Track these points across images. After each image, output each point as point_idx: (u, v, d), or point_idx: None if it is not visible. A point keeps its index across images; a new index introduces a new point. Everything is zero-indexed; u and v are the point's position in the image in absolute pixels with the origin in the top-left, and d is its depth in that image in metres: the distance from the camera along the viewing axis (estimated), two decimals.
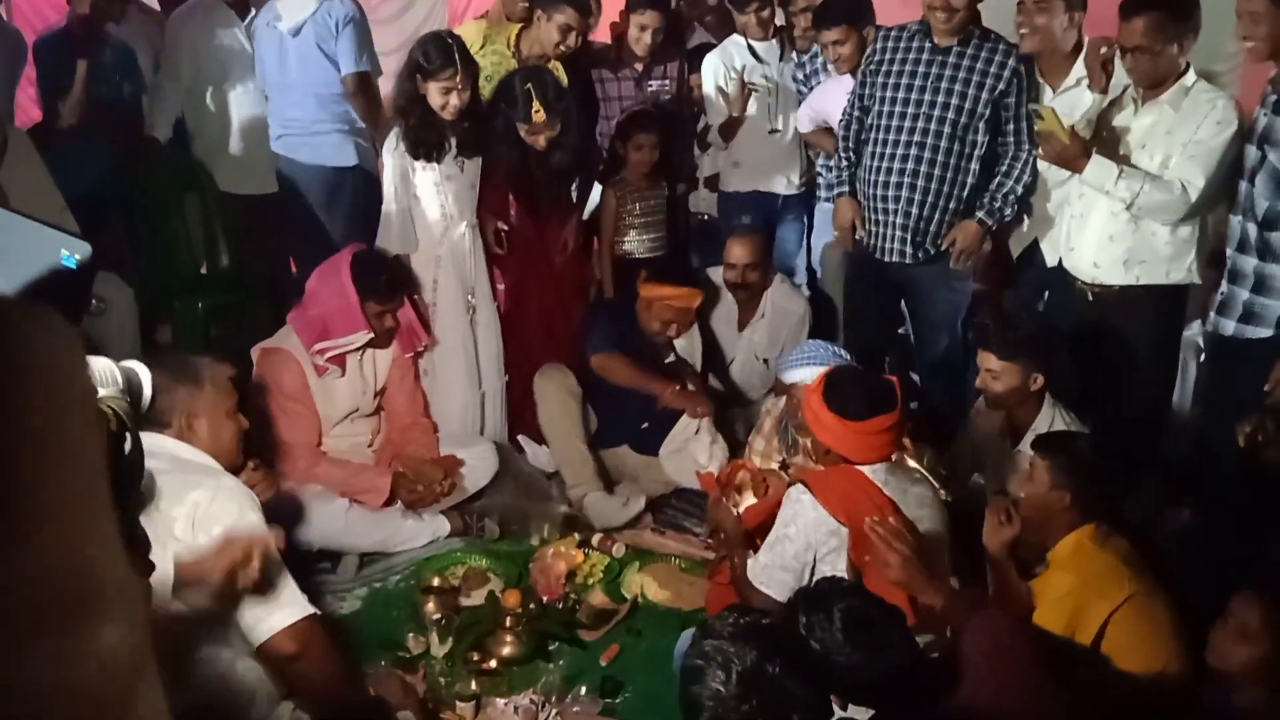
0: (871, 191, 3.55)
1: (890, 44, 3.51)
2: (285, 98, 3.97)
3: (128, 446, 0.99)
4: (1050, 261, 3.50)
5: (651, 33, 4.04)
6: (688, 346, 3.75)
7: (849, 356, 3.20)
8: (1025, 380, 2.90)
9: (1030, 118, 3.38)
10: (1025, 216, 3.59)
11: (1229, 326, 2.98)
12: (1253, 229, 2.90)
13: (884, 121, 3.51)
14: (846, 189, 3.70)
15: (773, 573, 2.48)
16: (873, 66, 3.55)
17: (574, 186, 3.82)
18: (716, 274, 3.95)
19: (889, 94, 3.49)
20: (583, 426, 3.56)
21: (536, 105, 3.45)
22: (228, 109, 4.15)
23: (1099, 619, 2.24)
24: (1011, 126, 3.45)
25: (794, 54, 4.31)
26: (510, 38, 3.98)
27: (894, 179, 3.49)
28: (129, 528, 1.07)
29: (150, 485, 2.13)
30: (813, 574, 2.45)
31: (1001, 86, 3.39)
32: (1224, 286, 3.02)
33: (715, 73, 4.25)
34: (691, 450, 3.54)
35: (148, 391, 1.14)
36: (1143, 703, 2.14)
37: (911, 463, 2.69)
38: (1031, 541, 2.49)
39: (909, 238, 3.51)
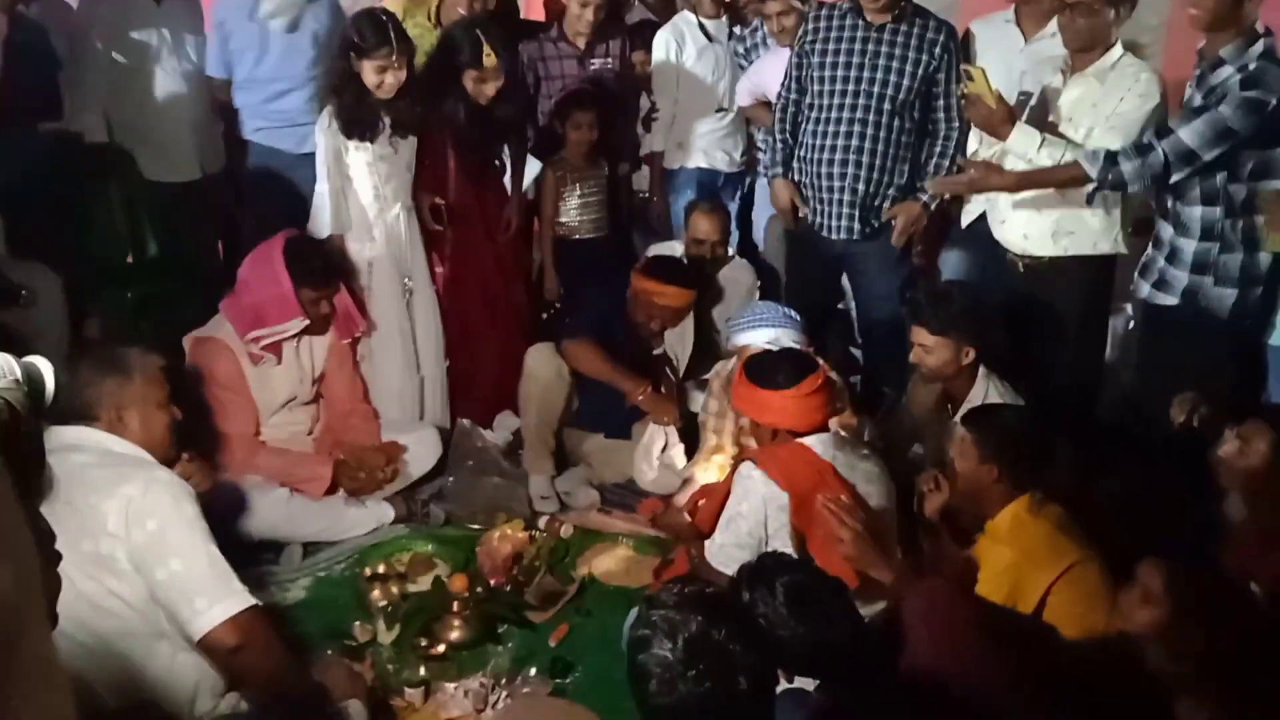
0: (814, 169, 3.57)
1: (823, 23, 3.52)
2: (268, 90, 3.90)
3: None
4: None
5: (594, 9, 4.01)
6: (679, 339, 3.69)
7: (798, 317, 3.24)
8: (958, 354, 2.94)
9: (958, 96, 3.42)
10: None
11: (1144, 289, 3.09)
12: (1171, 200, 2.99)
13: (822, 100, 3.53)
14: (781, 170, 3.71)
15: (729, 551, 2.51)
16: (807, 46, 3.56)
17: (509, 160, 3.79)
18: (663, 248, 3.96)
19: (825, 73, 3.51)
20: (560, 412, 3.52)
21: (488, 50, 3.42)
22: (149, 95, 4.00)
23: (1039, 590, 2.29)
24: (942, 103, 3.50)
25: (736, 28, 4.31)
26: (430, 10, 3.95)
27: (837, 156, 3.51)
28: (29, 518, 1.06)
29: (79, 478, 2.08)
30: (767, 549, 2.47)
31: (934, 64, 3.43)
32: (1149, 249, 3.11)
33: (666, 50, 4.23)
34: (671, 465, 3.45)
35: (50, 386, 1.14)
36: (1084, 665, 2.19)
37: (860, 439, 2.75)
38: (971, 511, 2.54)
39: (854, 214, 3.54)
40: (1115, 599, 2.25)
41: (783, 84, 3.70)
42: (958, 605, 2.03)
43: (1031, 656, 2.11)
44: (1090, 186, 2.98)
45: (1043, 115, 3.19)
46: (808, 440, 2.57)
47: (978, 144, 3.32)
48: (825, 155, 3.53)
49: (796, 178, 3.67)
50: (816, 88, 3.54)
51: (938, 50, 3.41)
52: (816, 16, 3.56)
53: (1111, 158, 2.89)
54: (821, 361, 3.15)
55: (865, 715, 1.82)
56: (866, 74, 3.45)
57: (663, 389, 3.51)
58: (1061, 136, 3.09)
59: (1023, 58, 3.46)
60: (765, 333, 3.18)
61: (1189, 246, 2.95)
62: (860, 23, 3.45)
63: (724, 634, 1.43)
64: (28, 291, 3.41)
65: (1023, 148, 3.07)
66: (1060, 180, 3.05)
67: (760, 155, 4.35)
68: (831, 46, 3.49)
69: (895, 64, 3.42)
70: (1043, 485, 2.44)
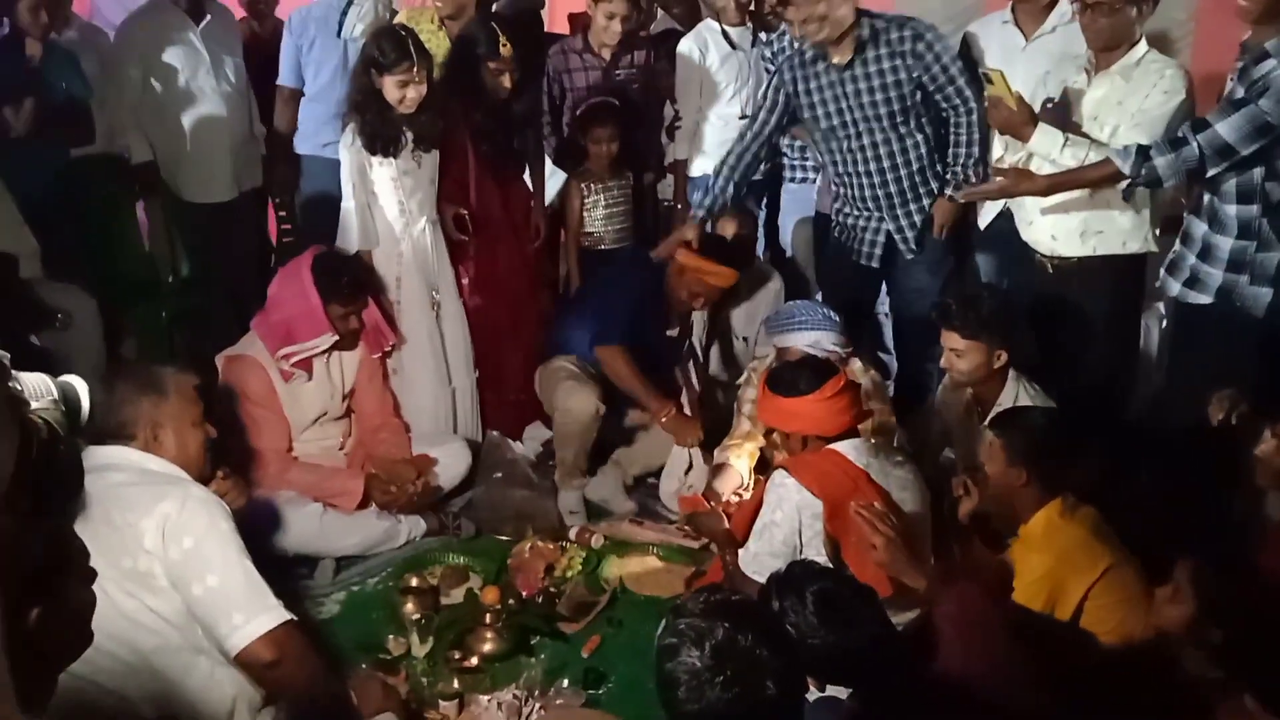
0: (852, 209, 3.60)
1: (799, 73, 3.47)
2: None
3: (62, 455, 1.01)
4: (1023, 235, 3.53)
5: (620, 20, 4.03)
6: (699, 327, 3.73)
7: (838, 318, 3.25)
8: (989, 358, 2.93)
9: (964, 79, 3.39)
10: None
11: (1174, 287, 3.03)
12: (1207, 196, 2.94)
13: (832, 144, 3.52)
14: (705, 213, 3.61)
15: (763, 560, 2.50)
16: (787, 100, 3.51)
17: (529, 163, 3.82)
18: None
19: (823, 125, 3.49)
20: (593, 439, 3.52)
21: (503, 40, 3.47)
22: (188, 116, 4.02)
23: (1077, 595, 2.28)
24: (940, 95, 3.41)
25: (761, 34, 4.31)
26: (433, 15, 3.99)
27: (867, 193, 3.52)
28: (65, 537, 1.09)
29: (117, 497, 2.12)
30: (801, 557, 2.47)
31: (916, 69, 3.35)
32: (1177, 246, 3.07)
33: (690, 57, 4.24)
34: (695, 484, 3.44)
35: (85, 405, 1.17)
36: (1116, 670, 2.18)
37: (892, 444, 2.74)
38: (1004, 515, 2.52)
39: (901, 239, 3.55)
40: (1149, 601, 2.24)
41: (745, 125, 3.67)
42: (990, 610, 2.02)
43: (1064, 661, 2.09)
44: (1124, 183, 2.95)
45: (1066, 115, 3.16)
46: (840, 446, 2.56)
47: (1003, 149, 3.29)
48: (856, 194, 3.54)
49: (839, 207, 3.68)
50: (820, 136, 3.55)
51: (910, 60, 3.34)
52: (790, 66, 3.51)
53: (1144, 152, 2.84)
54: (857, 361, 3.16)
55: None
56: (858, 115, 3.42)
57: (693, 381, 3.56)
58: (1085, 136, 3.06)
59: (1045, 58, 3.42)
60: (807, 335, 3.19)
61: (1225, 244, 2.89)
62: (830, 66, 3.40)
63: (750, 639, 1.43)
64: (63, 315, 3.47)
65: (1045, 149, 3.04)
66: (1093, 179, 3.01)
67: (786, 161, 4.35)
68: (816, 98, 3.46)
69: (879, 95, 3.38)
70: (1073, 486, 2.42)
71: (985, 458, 2.48)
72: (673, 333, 3.64)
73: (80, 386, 1.16)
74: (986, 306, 2.92)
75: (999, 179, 3.14)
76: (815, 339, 3.18)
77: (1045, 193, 3.10)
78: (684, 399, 3.56)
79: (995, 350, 2.92)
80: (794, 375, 2.66)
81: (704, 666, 1.42)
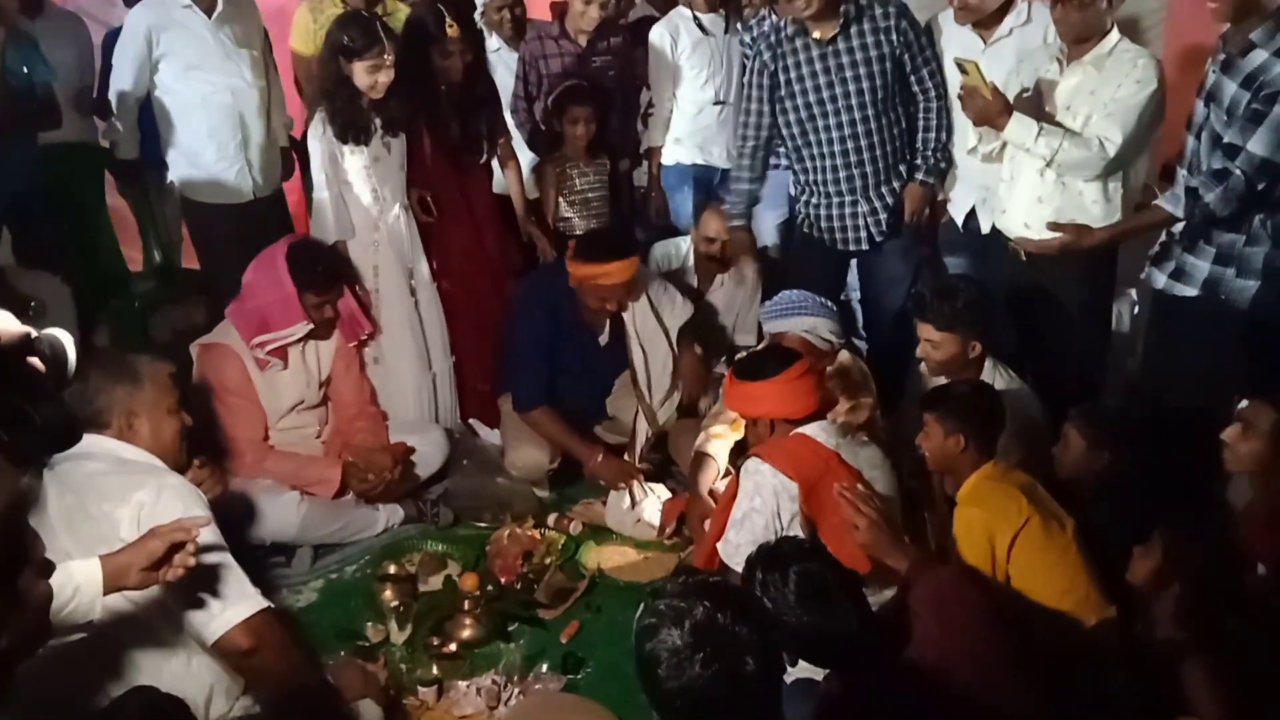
0: (825, 190, 3.58)
1: (780, 50, 3.46)
2: None
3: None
4: (984, 228, 3.56)
5: (598, 6, 4.02)
6: (643, 323, 3.53)
7: (832, 305, 3.28)
8: (964, 349, 2.96)
9: (935, 63, 3.44)
10: (961, 184, 3.65)
11: (1159, 280, 3.05)
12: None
13: (811, 124, 3.51)
14: (744, 221, 3.73)
15: (746, 550, 2.46)
16: (771, 79, 3.50)
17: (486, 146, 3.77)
18: (668, 244, 3.97)
19: (801, 101, 3.49)
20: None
21: (449, 20, 3.44)
22: (202, 115, 3.76)
23: (1006, 544, 2.36)
24: (914, 76, 3.46)
25: (738, 24, 4.31)
26: None
27: (843, 173, 3.53)
28: (17, 530, 1.10)
29: (92, 486, 2.11)
30: None
31: (896, 49, 3.39)
32: (1162, 237, 3.09)
33: (662, 44, 4.23)
34: (645, 518, 3.34)
35: (72, 357, 1.16)
36: (1077, 647, 2.23)
37: (859, 426, 2.76)
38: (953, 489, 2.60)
39: (873, 220, 3.57)
40: (1085, 566, 2.33)
41: (742, 120, 3.66)
42: (966, 591, 2.04)
43: (1037, 641, 2.13)
44: (1094, 172, 3.01)
45: (1039, 104, 3.18)
46: (808, 429, 2.58)
47: (977, 139, 3.31)
48: (830, 177, 3.55)
49: (808, 197, 3.66)
50: (796, 116, 3.51)
51: (895, 36, 3.38)
52: (769, 45, 3.49)
53: (1193, 194, 2.85)
54: (846, 352, 3.17)
55: (872, 704, 1.83)
56: (840, 90, 3.42)
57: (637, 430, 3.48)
58: (1059, 125, 3.09)
59: (1008, 55, 3.43)
60: (804, 320, 3.20)
61: (1214, 238, 2.92)
62: (810, 42, 3.40)
63: (729, 617, 1.45)
64: (36, 303, 3.43)
65: (1020, 138, 3.07)
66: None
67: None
68: (795, 74, 3.45)
69: (862, 69, 3.39)
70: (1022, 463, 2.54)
71: (923, 437, 2.59)
72: (604, 338, 3.53)
73: (67, 339, 1.15)
74: (961, 298, 2.95)
75: (1060, 235, 3.12)
76: (812, 325, 3.19)
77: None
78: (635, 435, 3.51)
79: (970, 341, 2.95)
80: (760, 361, 2.70)
81: (683, 644, 1.43)
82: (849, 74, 3.41)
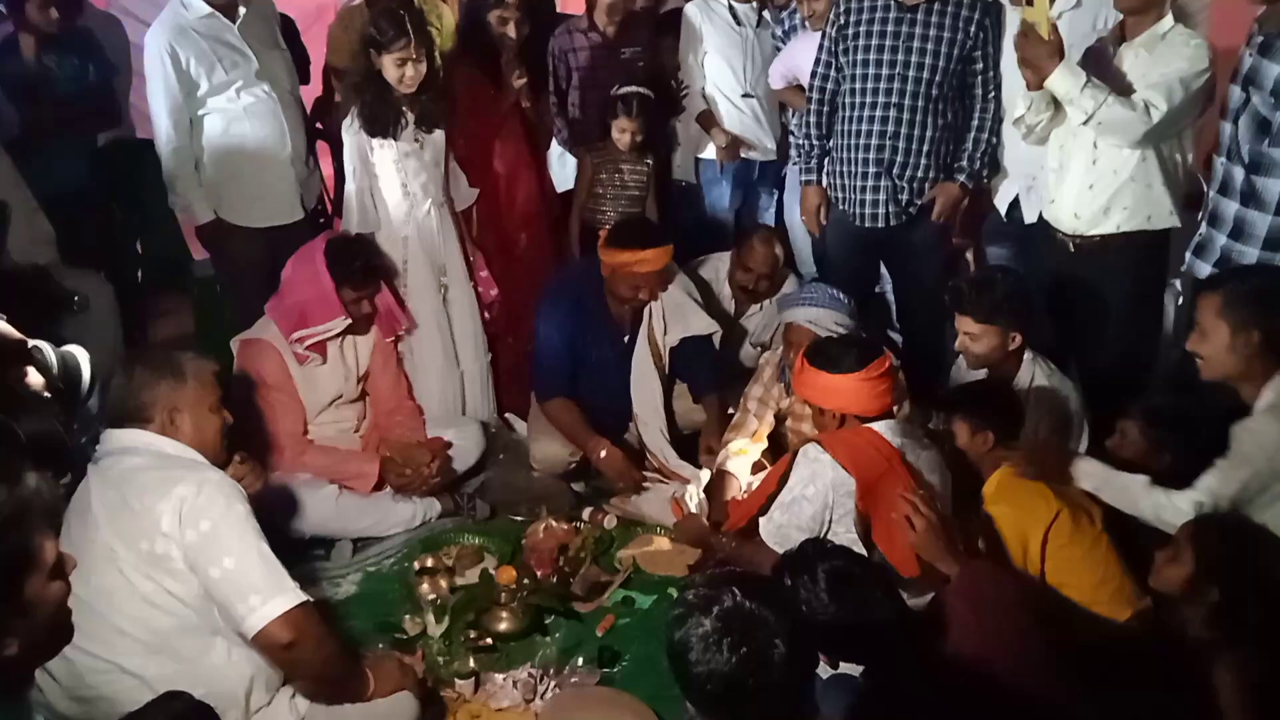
0: (850, 156, 3.54)
1: (855, 4, 3.47)
2: None
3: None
4: (1029, 218, 3.50)
5: None
6: (662, 312, 3.50)
7: (846, 299, 3.24)
8: (1004, 340, 2.92)
9: (996, 69, 3.39)
10: (1005, 174, 3.60)
11: (1204, 270, 2.97)
12: (1238, 172, 2.86)
13: (857, 85, 3.49)
14: (815, 176, 3.70)
15: (788, 533, 2.48)
16: (838, 32, 3.51)
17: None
18: (711, 259, 3.91)
19: (858, 57, 3.46)
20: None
21: None
22: (240, 130, 3.56)
23: (1039, 540, 2.36)
24: (979, 78, 3.46)
25: (766, 14, 4.28)
26: None
27: (873, 143, 3.48)
28: (24, 535, 1.11)
29: (134, 481, 2.14)
30: (828, 535, 2.47)
31: (970, 42, 3.38)
32: (1203, 229, 3.01)
33: (693, 33, 4.21)
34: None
35: (86, 373, 1.17)
36: (1116, 645, 2.20)
37: (920, 426, 2.74)
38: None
39: (892, 199, 3.52)
40: (1115, 560, 2.35)
41: (814, 77, 3.65)
42: (1004, 589, 2.02)
43: (1072, 634, 2.11)
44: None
45: (1089, 70, 3.10)
46: (876, 425, 2.53)
47: (1026, 106, 3.22)
48: (861, 142, 3.50)
49: (832, 166, 3.65)
50: (850, 72, 3.49)
51: (973, 29, 3.37)
52: (849, 8, 3.49)
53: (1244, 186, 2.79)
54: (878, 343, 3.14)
55: (909, 698, 1.82)
56: (901, 58, 3.40)
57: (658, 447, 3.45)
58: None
59: (1063, 35, 3.37)
60: (808, 311, 3.18)
61: (1263, 221, 2.82)
62: (893, 4, 3.40)
63: (756, 603, 1.46)
64: (80, 297, 3.48)
65: (1066, 89, 2.97)
66: None
67: (793, 141, 4.32)
68: (864, 29, 3.44)
69: (930, 45, 3.38)
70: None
71: (956, 431, 2.67)
72: (627, 338, 3.51)
73: (81, 356, 1.15)
74: (1000, 290, 2.91)
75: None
76: (816, 315, 3.16)
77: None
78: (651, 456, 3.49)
79: (1010, 333, 2.91)
80: (839, 351, 2.59)
81: (712, 629, 1.45)
82: (915, 45, 3.38)
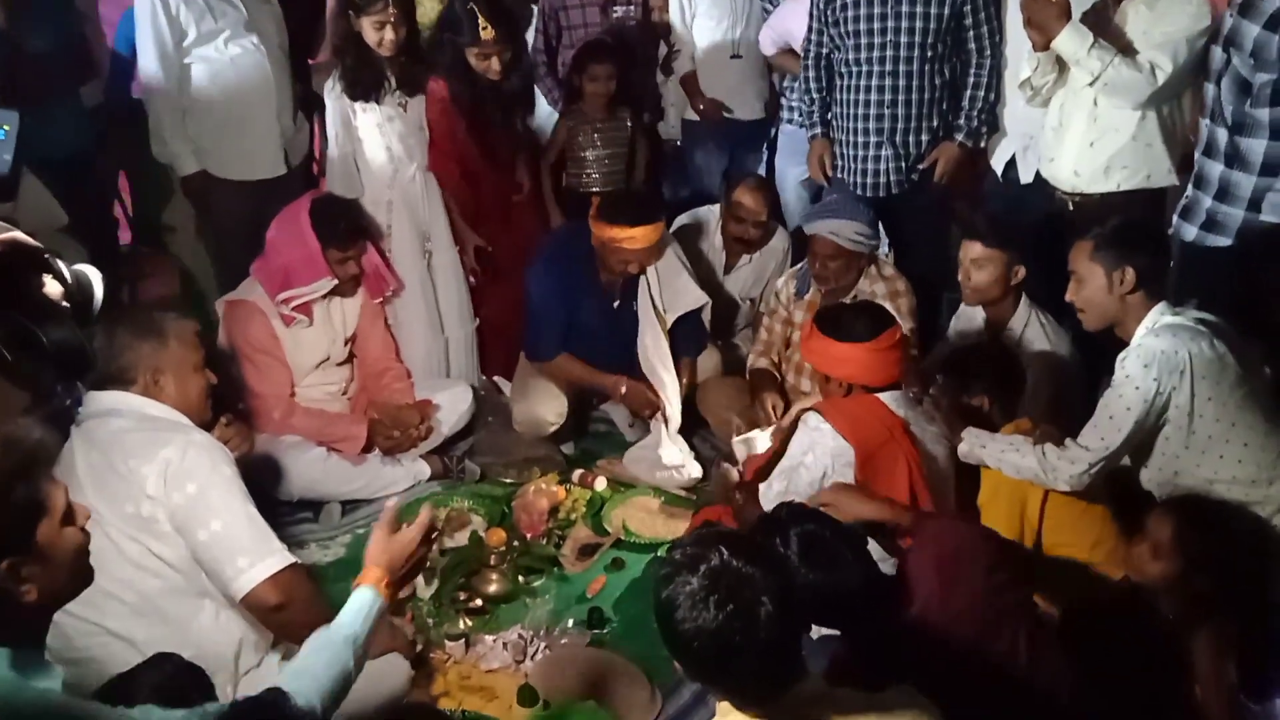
0: (850, 126, 3.52)
1: None
2: None
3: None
4: (1025, 178, 3.48)
5: None
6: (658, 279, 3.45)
7: (869, 210, 3.27)
8: (1007, 271, 2.93)
9: (997, 22, 3.36)
10: (1002, 133, 3.57)
11: (1190, 232, 2.97)
12: (1222, 134, 2.86)
13: (850, 55, 3.46)
14: (819, 129, 3.66)
15: (784, 499, 2.47)
16: (827, 3, 3.46)
17: (527, 120, 3.72)
18: (692, 216, 3.87)
19: (850, 28, 3.43)
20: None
21: (483, 22, 3.32)
22: (228, 82, 3.47)
23: (1038, 501, 2.39)
24: (972, 33, 3.41)
25: None
26: None
27: (872, 111, 3.46)
28: (34, 482, 1.13)
29: (119, 443, 2.12)
30: None
31: (959, 2, 3.33)
32: (1189, 190, 3.00)
33: None
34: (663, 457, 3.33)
35: (99, 292, 1.16)
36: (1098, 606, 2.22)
37: (927, 404, 2.72)
38: None
39: (894, 168, 3.50)
40: (1110, 522, 2.36)
41: (806, 43, 3.62)
42: (965, 544, 1.99)
43: (1041, 592, 2.12)
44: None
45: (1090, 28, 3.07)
46: (882, 395, 2.49)
47: (1031, 69, 3.19)
48: (860, 111, 3.48)
49: (832, 136, 3.62)
50: (844, 42, 3.46)
51: None
52: None
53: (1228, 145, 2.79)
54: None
55: (879, 663, 1.83)
56: (892, 23, 3.36)
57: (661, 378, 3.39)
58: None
59: None
60: (830, 222, 3.19)
61: (1247, 182, 2.82)
62: None
63: (743, 560, 1.46)
64: (49, 256, 3.41)
65: (1072, 49, 2.96)
66: None
67: (784, 101, 4.28)
68: (863, 5, 3.40)
69: (919, 9, 3.34)
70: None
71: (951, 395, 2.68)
72: (617, 303, 3.45)
73: (93, 274, 1.14)
74: (1009, 219, 2.90)
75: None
76: (837, 227, 3.16)
77: None
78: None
79: (1014, 265, 2.92)
80: (850, 319, 2.53)
81: (699, 587, 1.45)
82: (905, 9, 3.34)
